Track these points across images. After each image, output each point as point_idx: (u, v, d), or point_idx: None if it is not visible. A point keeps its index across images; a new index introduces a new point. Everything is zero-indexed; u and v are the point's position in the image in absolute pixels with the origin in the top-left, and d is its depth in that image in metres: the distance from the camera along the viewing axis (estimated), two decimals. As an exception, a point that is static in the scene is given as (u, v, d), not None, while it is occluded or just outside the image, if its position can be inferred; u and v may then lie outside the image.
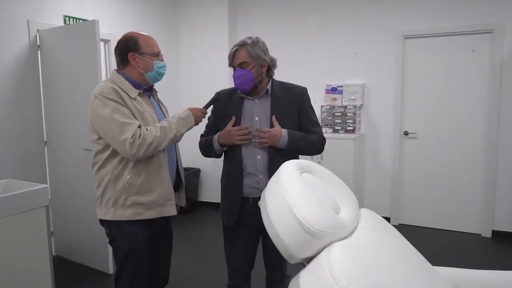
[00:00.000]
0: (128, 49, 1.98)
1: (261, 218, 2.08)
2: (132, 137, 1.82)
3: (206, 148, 2.23)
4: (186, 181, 4.80)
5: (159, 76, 2.07)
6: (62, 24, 3.69)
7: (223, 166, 2.26)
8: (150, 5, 4.89)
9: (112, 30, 4.25)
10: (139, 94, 2.00)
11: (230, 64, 2.13)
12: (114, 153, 1.93)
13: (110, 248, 3.27)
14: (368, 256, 1.04)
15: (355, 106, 4.50)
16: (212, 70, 5.14)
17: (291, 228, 1.09)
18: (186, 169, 5.28)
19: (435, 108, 4.37)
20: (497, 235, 4.19)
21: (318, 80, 4.76)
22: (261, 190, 2.09)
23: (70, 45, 3.32)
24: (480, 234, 4.29)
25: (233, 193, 2.15)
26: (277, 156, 2.08)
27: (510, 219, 4.13)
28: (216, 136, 2.16)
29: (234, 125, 2.12)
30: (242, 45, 2.06)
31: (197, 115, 2.08)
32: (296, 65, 4.88)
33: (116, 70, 2.05)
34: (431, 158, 4.43)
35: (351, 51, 4.65)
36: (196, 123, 2.09)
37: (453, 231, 4.39)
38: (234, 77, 2.09)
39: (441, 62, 4.30)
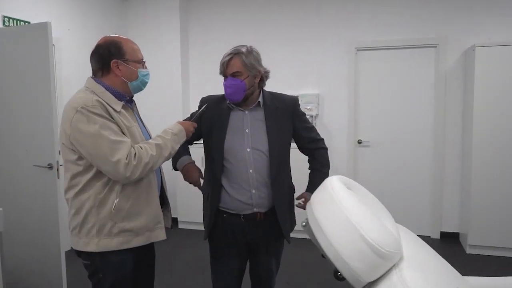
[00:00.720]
0: (111, 55, 1.74)
1: (252, 234, 2.04)
2: (127, 157, 1.62)
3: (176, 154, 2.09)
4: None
5: (143, 85, 1.87)
6: (1, 25, 3.30)
7: (205, 173, 2.12)
8: (96, 9, 4.57)
9: (55, 34, 3.89)
10: (123, 107, 1.78)
11: (222, 73, 2.00)
12: (98, 175, 1.69)
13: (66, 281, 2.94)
14: (432, 271, 1.01)
15: (311, 116, 4.56)
16: (163, 73, 4.92)
17: (359, 251, 1.01)
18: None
19: (386, 117, 4.56)
20: (445, 236, 4.46)
21: (274, 89, 4.73)
22: (253, 205, 2.00)
23: (17, 49, 2.96)
24: (430, 236, 4.53)
25: (209, 207, 2.05)
26: (275, 169, 2.01)
27: (457, 220, 4.41)
28: (182, 161, 2.09)
29: (219, 134, 2.01)
30: (236, 53, 1.94)
31: (189, 130, 1.92)
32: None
33: (93, 78, 1.79)
34: (383, 165, 4.61)
35: (306, 62, 4.72)
36: (187, 138, 1.93)
37: (405, 234, 4.59)
38: (225, 86, 1.96)
39: (391, 74, 4.51)
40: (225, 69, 1.96)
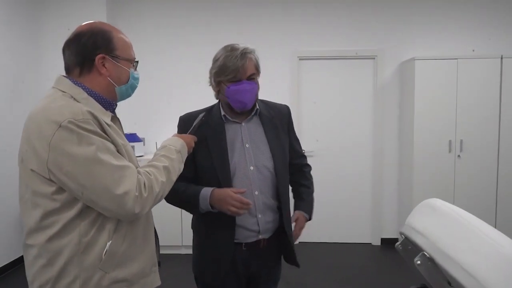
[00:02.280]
0: (97, 47, 1.31)
1: (255, 264, 1.75)
2: (136, 188, 1.23)
3: (183, 200, 1.68)
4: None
5: (132, 91, 1.44)
6: None
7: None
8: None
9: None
10: (112, 118, 1.37)
11: (235, 76, 1.62)
12: (84, 211, 1.25)
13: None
14: None
15: (255, 126, 4.38)
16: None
17: (507, 275, 0.83)
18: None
19: (328, 127, 4.57)
20: (386, 242, 4.58)
21: (214, 98, 4.49)
22: (259, 232, 1.72)
23: None
24: (371, 243, 4.62)
25: (222, 240, 1.70)
26: (282, 188, 1.78)
27: (396, 226, 4.57)
28: (206, 193, 1.62)
29: (221, 152, 1.69)
30: (250, 52, 1.64)
31: (190, 145, 1.56)
32: (194, 81, 4.52)
33: (69, 79, 1.32)
34: (325, 175, 4.59)
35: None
36: (188, 154, 1.56)
37: (347, 243, 4.62)
38: (242, 90, 1.63)
39: (332, 84, 4.54)
40: (245, 71, 1.63)
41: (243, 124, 1.75)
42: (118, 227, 1.30)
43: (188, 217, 1.83)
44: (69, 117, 1.18)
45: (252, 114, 1.77)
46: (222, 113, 1.74)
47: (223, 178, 1.65)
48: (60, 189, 1.22)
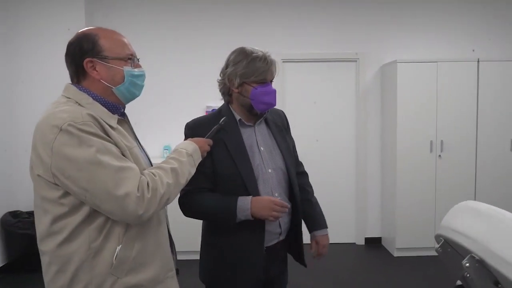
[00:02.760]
0: (84, 52, 1.32)
1: (274, 268, 1.75)
2: (138, 189, 1.22)
3: (212, 214, 1.65)
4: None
5: (136, 90, 1.42)
6: None
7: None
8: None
9: None
10: (118, 121, 1.38)
11: (264, 78, 1.66)
12: (92, 216, 1.25)
13: None
14: None
15: (241, 128, 4.36)
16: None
17: None
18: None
19: (311, 128, 4.61)
20: (369, 241, 4.67)
21: (198, 101, 4.45)
22: (280, 234, 1.74)
23: None
24: (355, 243, 4.69)
25: (248, 248, 1.66)
26: (295, 189, 1.81)
27: (379, 225, 4.66)
28: (244, 204, 1.59)
29: (242, 154, 1.67)
30: (270, 55, 1.69)
31: (204, 149, 1.55)
32: (174, 85, 4.46)
33: (75, 85, 1.35)
34: (310, 177, 4.61)
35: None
36: (202, 158, 1.54)
37: (331, 243, 4.63)
38: (271, 91, 1.68)
39: (316, 86, 4.59)
40: (272, 74, 1.70)
41: (255, 127, 1.76)
42: (128, 232, 1.29)
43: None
44: (69, 120, 1.20)
45: (262, 118, 1.78)
46: (238, 117, 1.72)
47: (249, 184, 1.63)
48: (66, 193, 1.23)
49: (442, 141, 4.12)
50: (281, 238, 1.76)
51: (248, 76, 1.64)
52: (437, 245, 1.15)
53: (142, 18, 4.46)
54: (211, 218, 1.69)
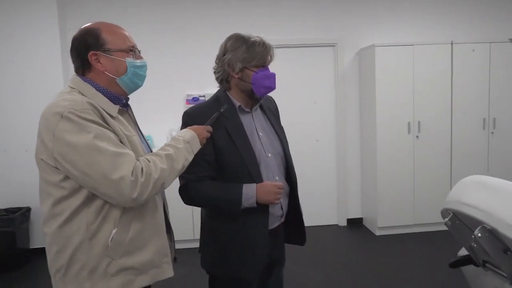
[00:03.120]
0: (88, 46, 1.41)
1: (276, 250, 1.81)
2: (132, 173, 1.30)
3: (217, 201, 1.66)
4: (14, 225, 3.64)
5: (138, 80, 1.51)
6: None
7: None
8: None
9: None
10: (119, 111, 1.46)
11: (264, 62, 1.71)
12: (90, 199, 1.34)
13: None
14: None
15: (223, 116, 4.36)
16: (39, 69, 4.03)
17: None
18: (12, 209, 3.96)
19: (291, 113, 4.62)
20: (351, 222, 4.80)
21: (178, 90, 4.42)
22: (282, 216, 1.79)
23: None
24: (337, 224, 4.82)
25: (255, 231, 1.69)
26: (292, 172, 1.85)
27: (359, 206, 4.80)
28: (249, 191, 1.62)
29: (243, 139, 1.69)
30: (266, 40, 1.72)
31: (202, 136, 1.57)
32: (154, 75, 4.38)
33: (80, 77, 1.44)
34: (292, 161, 4.70)
35: (212, 60, 4.46)
36: (201, 146, 1.57)
37: (314, 226, 4.76)
38: (267, 76, 1.70)
39: (295, 72, 4.62)
40: (271, 57, 1.74)
41: (253, 113, 1.78)
42: (124, 215, 1.37)
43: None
44: (69, 108, 1.29)
45: (258, 104, 1.81)
46: (237, 104, 1.73)
47: (252, 169, 1.65)
48: (67, 177, 1.32)
49: (419, 122, 4.26)
50: (282, 220, 1.80)
51: (249, 61, 1.66)
52: (446, 219, 1.21)
53: (120, 4, 4.35)
54: (214, 206, 1.71)
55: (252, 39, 1.68)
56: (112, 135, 1.33)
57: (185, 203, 1.72)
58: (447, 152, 4.34)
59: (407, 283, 3.29)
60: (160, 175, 1.35)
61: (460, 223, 1.18)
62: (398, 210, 4.33)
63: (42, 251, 4.05)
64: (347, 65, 4.64)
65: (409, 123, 4.26)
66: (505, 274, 1.09)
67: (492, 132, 4.36)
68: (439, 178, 4.33)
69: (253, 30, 4.27)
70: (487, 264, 1.19)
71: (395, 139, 4.27)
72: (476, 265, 1.23)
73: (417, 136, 4.28)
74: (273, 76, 1.73)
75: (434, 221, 4.26)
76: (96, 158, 1.27)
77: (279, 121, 1.94)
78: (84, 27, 1.45)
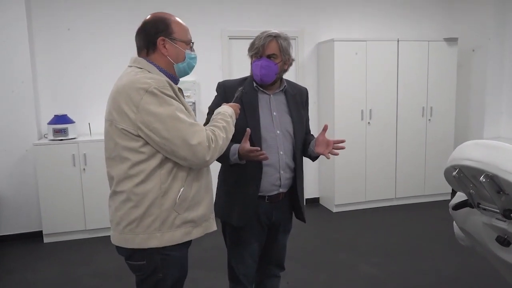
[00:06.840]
0: (158, 32, 1.62)
1: (276, 215, 2.15)
2: (207, 140, 1.54)
3: (222, 156, 1.92)
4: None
5: (189, 69, 1.74)
6: None
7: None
8: None
9: None
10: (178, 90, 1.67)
11: (258, 52, 1.97)
12: (164, 162, 1.56)
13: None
14: None
15: (193, 103, 4.52)
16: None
17: None
18: (-21, 198, 3.80)
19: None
20: (309, 202, 5.24)
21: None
22: (280, 186, 2.06)
23: None
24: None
25: (247, 191, 2.00)
26: (298, 152, 2.12)
27: (316, 187, 5.25)
28: (234, 149, 1.90)
29: (254, 115, 2.00)
30: (276, 36, 1.97)
31: (237, 112, 1.85)
32: (113, 64, 4.40)
33: (144, 58, 1.64)
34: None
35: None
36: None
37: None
38: (258, 65, 1.97)
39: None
40: (263, 50, 1.96)
41: (271, 95, 2.07)
42: (189, 175, 1.60)
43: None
44: (154, 85, 1.49)
45: (279, 89, 2.10)
46: (255, 84, 2.04)
47: (255, 138, 1.96)
48: (146, 143, 1.52)
49: (371, 110, 4.79)
50: (281, 190, 2.06)
51: (250, 50, 2.02)
52: (454, 173, 1.58)
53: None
54: (220, 158, 1.94)
55: (260, 34, 2.01)
56: (183, 108, 1.57)
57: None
58: (393, 136, 4.94)
59: (363, 248, 3.78)
60: (222, 143, 1.62)
61: (463, 176, 1.57)
62: (353, 189, 4.84)
63: (12, 238, 3.98)
64: (307, 58, 5.03)
65: (362, 110, 4.77)
66: (497, 210, 1.50)
67: (429, 119, 5.03)
68: (386, 158, 4.93)
69: (221, 21, 4.59)
70: (480, 205, 1.60)
71: (351, 125, 4.76)
72: (472, 206, 1.64)
73: (368, 123, 4.81)
74: (259, 66, 1.97)
75: (383, 198, 4.84)
76: (177, 126, 1.48)
77: (300, 107, 2.17)
78: (156, 14, 1.66)
